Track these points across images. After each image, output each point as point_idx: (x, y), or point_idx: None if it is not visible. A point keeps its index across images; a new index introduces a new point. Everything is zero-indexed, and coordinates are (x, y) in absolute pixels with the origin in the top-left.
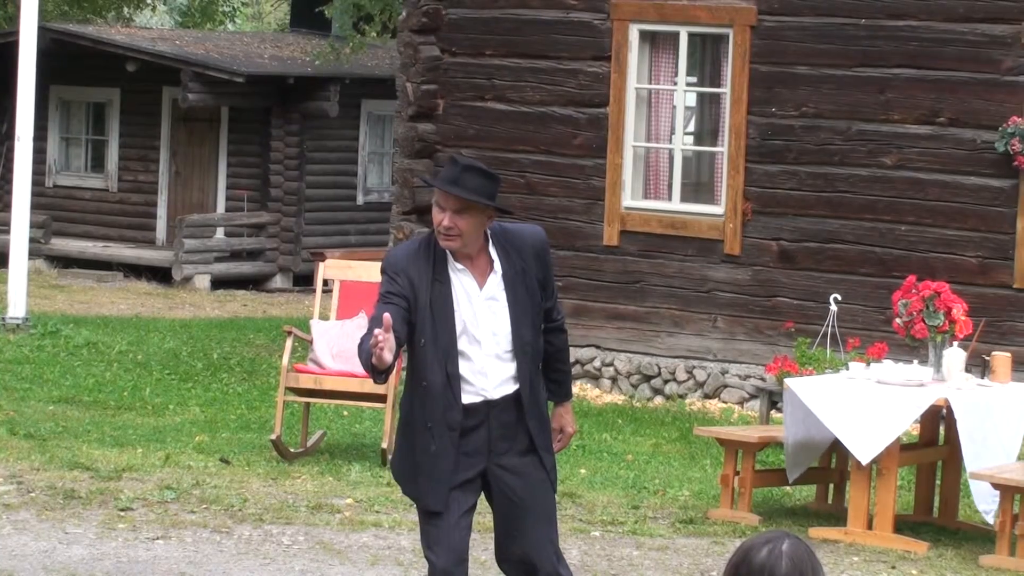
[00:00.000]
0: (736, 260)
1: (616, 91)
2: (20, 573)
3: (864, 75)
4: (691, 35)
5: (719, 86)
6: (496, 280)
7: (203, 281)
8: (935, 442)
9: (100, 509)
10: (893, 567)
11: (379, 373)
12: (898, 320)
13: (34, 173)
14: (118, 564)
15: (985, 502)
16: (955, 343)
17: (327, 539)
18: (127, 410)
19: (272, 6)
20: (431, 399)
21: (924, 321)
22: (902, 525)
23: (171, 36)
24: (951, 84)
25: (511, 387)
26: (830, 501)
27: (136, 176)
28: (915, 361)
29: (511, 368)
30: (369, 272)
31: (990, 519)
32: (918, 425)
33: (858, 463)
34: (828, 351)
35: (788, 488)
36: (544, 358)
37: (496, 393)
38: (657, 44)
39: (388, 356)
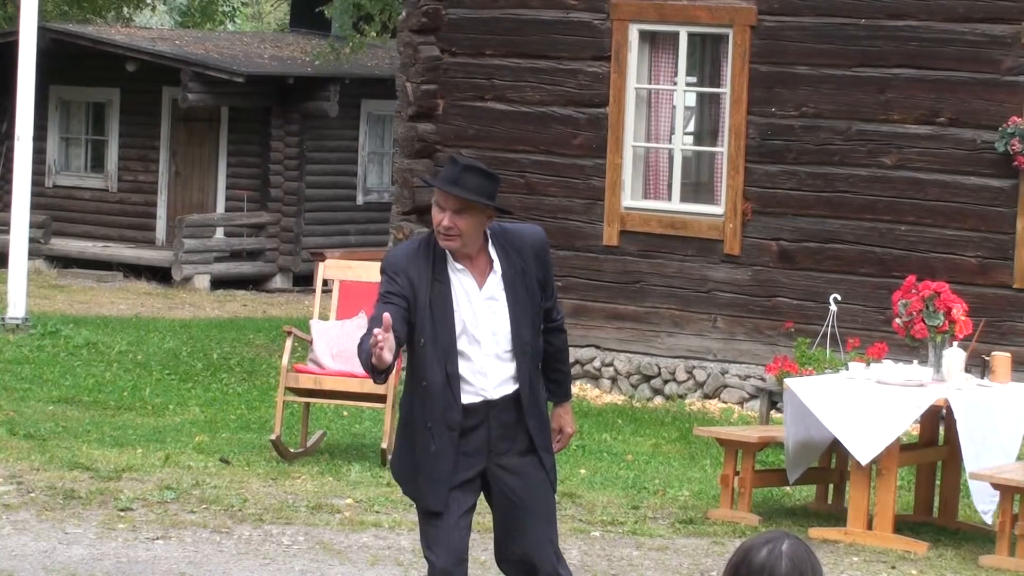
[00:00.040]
0: (736, 260)
1: (616, 91)
2: (20, 573)
3: (864, 75)
4: (691, 35)
5: (719, 86)
6: (496, 280)
7: (203, 281)
8: (935, 442)
9: (100, 509)
10: (893, 567)
11: (379, 373)
12: (898, 320)
13: (34, 173)
14: (118, 564)
15: (983, 502)
16: (955, 343)
17: (327, 539)
18: (127, 410)
19: (272, 6)
20: (431, 399)
21: (924, 321)
22: (902, 525)
23: (171, 36)
24: (951, 84)
25: (511, 387)
26: (830, 501)
27: (136, 176)
28: (915, 361)
29: (511, 368)
30: (369, 272)
31: (988, 519)
32: (918, 425)
33: (858, 463)
34: (828, 351)
35: (788, 488)
36: (544, 358)
37: (496, 393)
38: (657, 44)
39: (388, 356)
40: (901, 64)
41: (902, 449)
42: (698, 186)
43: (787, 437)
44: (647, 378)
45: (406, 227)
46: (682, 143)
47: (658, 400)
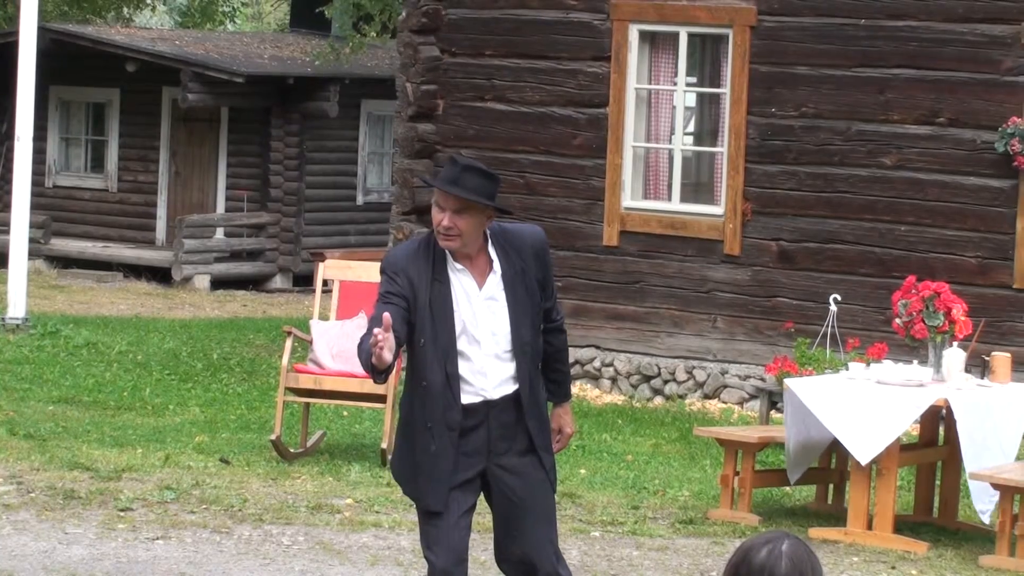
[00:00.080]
0: (736, 260)
1: (616, 91)
2: (20, 573)
3: (864, 75)
4: (691, 35)
5: (719, 86)
6: (495, 280)
7: (203, 281)
8: (935, 442)
9: (100, 509)
10: (893, 567)
11: (379, 373)
12: (898, 320)
13: (34, 173)
14: (118, 564)
15: (981, 502)
16: (955, 343)
17: (327, 539)
18: (127, 410)
19: (272, 6)
20: (431, 399)
21: (924, 321)
22: (902, 525)
23: (171, 36)
24: (951, 84)
25: (510, 387)
26: (830, 501)
27: (136, 176)
28: (915, 361)
29: (510, 368)
30: (369, 272)
31: (986, 519)
32: (918, 425)
33: (858, 463)
34: (828, 351)
35: (788, 488)
36: (543, 358)
37: (495, 393)
38: (657, 44)
39: (388, 356)
40: (901, 64)
41: (902, 449)
42: (698, 186)
43: (787, 438)
44: (647, 378)
45: (406, 227)
46: (682, 143)
47: (658, 400)
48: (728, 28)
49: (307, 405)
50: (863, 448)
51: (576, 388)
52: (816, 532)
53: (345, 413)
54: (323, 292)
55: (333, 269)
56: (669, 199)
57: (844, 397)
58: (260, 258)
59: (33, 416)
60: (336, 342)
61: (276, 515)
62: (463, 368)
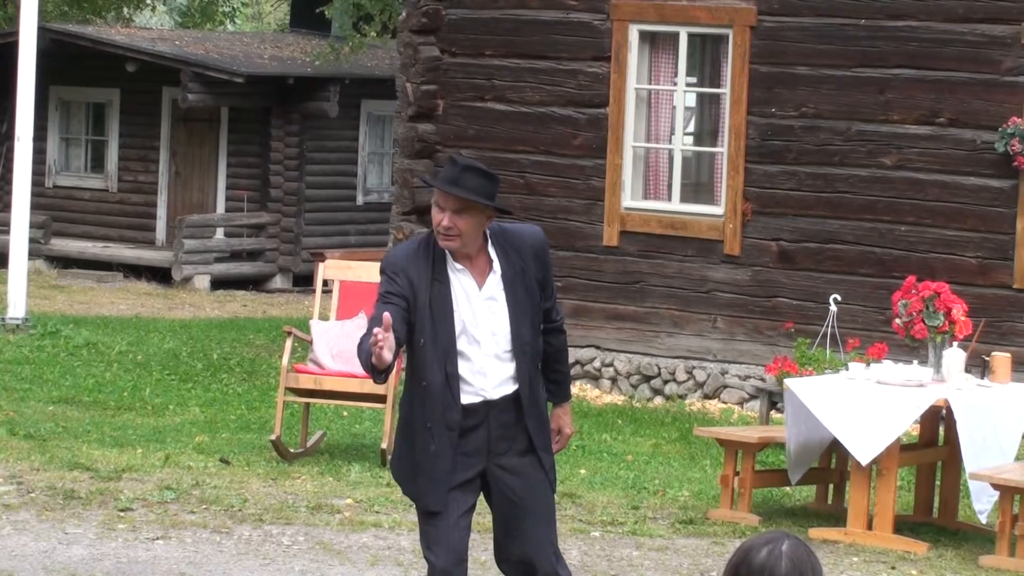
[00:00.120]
0: (736, 260)
1: (616, 91)
2: (20, 573)
3: (864, 75)
4: (691, 35)
5: (719, 86)
6: (495, 280)
7: (203, 281)
8: (935, 442)
9: (100, 509)
10: (893, 567)
11: (379, 373)
12: (898, 320)
13: (34, 173)
14: (118, 564)
15: (980, 502)
16: (955, 343)
17: (327, 539)
18: (127, 410)
19: (272, 6)
20: (430, 399)
21: (924, 321)
22: (902, 525)
23: (171, 36)
24: (951, 84)
25: (510, 387)
26: (830, 501)
27: (136, 176)
28: (915, 361)
29: (510, 368)
30: (369, 272)
31: (983, 519)
32: (918, 425)
33: (858, 463)
34: (828, 351)
35: (788, 488)
36: (543, 359)
37: (495, 393)
38: (657, 44)
39: (388, 355)
40: (901, 64)
41: (902, 449)
42: (698, 186)
43: (788, 438)
44: (647, 378)
45: (406, 227)
46: (682, 143)
47: (658, 400)
48: (728, 28)
49: (307, 405)
50: (863, 448)
51: (576, 388)
52: (816, 532)
53: (345, 413)
54: (323, 292)
55: (333, 269)
56: (669, 199)
57: (844, 397)
58: (260, 258)
59: (33, 416)
60: (336, 342)
61: (276, 515)
62: (463, 368)
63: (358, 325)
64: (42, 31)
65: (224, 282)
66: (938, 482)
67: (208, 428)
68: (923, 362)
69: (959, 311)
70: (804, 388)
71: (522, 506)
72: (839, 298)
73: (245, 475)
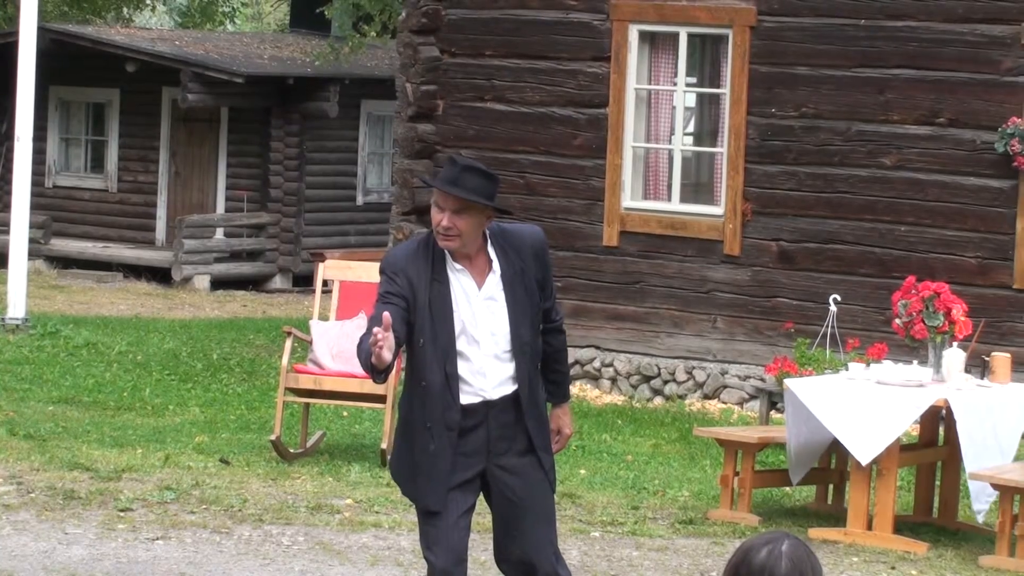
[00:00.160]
0: (736, 261)
1: (616, 91)
2: (20, 573)
3: (864, 76)
4: (691, 36)
5: (719, 87)
6: (495, 280)
7: (203, 282)
8: (935, 443)
9: (100, 509)
10: (893, 567)
11: (378, 373)
12: (898, 321)
13: (34, 173)
14: (118, 564)
15: (979, 502)
16: (955, 344)
17: (327, 539)
18: (127, 410)
19: (272, 6)
20: (430, 399)
21: (924, 322)
22: (902, 526)
23: (171, 36)
24: (951, 85)
25: (510, 387)
26: (830, 501)
27: (136, 176)
28: (915, 362)
29: (510, 368)
30: (369, 272)
31: (980, 519)
32: (918, 426)
33: (858, 464)
34: (828, 352)
35: (788, 488)
36: (543, 359)
37: (495, 393)
38: (657, 45)
39: (387, 355)
40: (901, 65)
41: (902, 449)
42: (698, 187)
43: (788, 439)
44: (647, 378)
45: (406, 227)
46: (682, 144)
47: (658, 400)
48: (728, 28)
49: (307, 405)
50: (863, 448)
51: (576, 388)
52: (816, 532)
53: (345, 413)
54: (323, 292)
55: (333, 269)
56: (669, 199)
57: (844, 397)
58: (260, 258)
59: (33, 416)
60: (336, 342)
61: (276, 515)
62: (462, 368)
63: (358, 325)
64: (42, 31)
65: (224, 282)
66: (938, 482)
67: (208, 428)
68: (923, 362)
69: (959, 311)
70: (804, 388)
71: (522, 506)
72: (839, 298)
73: (245, 475)
